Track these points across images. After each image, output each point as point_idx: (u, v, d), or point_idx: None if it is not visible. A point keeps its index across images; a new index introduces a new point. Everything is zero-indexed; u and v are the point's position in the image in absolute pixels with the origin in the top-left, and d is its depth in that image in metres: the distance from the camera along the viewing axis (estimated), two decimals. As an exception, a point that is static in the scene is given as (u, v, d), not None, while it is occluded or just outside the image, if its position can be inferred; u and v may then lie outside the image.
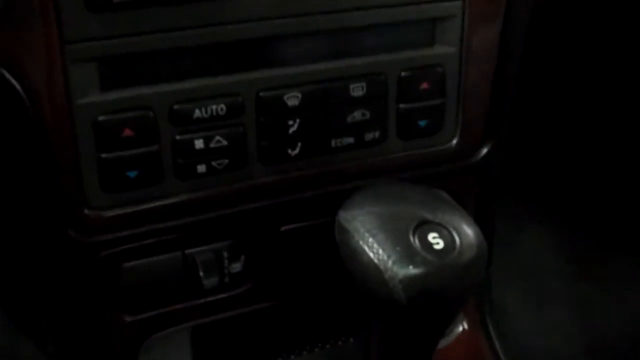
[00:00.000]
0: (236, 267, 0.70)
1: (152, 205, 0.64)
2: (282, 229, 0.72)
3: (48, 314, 0.70)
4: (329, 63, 0.67)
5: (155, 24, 0.58)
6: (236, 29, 0.62)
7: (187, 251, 0.68)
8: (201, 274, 0.68)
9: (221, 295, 0.71)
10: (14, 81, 0.56)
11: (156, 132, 0.61)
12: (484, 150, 0.77)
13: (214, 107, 0.63)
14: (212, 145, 0.64)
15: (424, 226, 0.59)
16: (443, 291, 0.57)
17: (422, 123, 0.73)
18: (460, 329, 0.86)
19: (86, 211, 0.62)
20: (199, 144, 0.63)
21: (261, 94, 0.64)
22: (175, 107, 0.62)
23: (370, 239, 0.57)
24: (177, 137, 0.63)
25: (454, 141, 0.75)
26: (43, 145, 0.58)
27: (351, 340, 0.84)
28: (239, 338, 0.79)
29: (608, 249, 1.03)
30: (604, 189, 1.02)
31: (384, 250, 0.56)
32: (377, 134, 0.71)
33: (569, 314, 0.97)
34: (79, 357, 0.70)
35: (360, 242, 0.57)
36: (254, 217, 0.69)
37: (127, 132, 0.60)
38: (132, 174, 0.62)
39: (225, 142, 0.64)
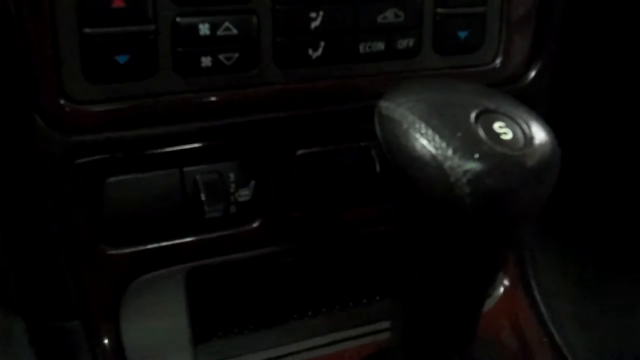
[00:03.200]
0: (244, 194, 0.58)
1: (144, 104, 0.52)
2: (299, 152, 0.59)
3: (6, 242, 0.56)
4: None
5: None
6: None
7: (186, 169, 0.55)
8: (203, 197, 0.55)
9: (225, 232, 0.58)
10: None
11: (153, 7, 0.50)
12: (531, 74, 0.66)
13: None
14: (219, 33, 0.52)
15: (486, 115, 0.47)
16: (512, 194, 0.45)
17: (462, 34, 0.62)
18: (502, 290, 0.74)
19: (62, 101, 0.49)
20: (203, 29, 0.52)
21: None
22: None
23: (423, 125, 0.45)
24: (178, 19, 0.51)
25: (498, 60, 0.64)
26: (10, 12, 0.46)
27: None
28: (244, 289, 0.66)
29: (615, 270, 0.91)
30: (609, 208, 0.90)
31: (441, 137, 0.45)
32: (411, 42, 0.60)
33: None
34: (46, 303, 0.57)
35: (411, 130, 0.46)
36: (265, 132, 0.57)
37: (118, 2, 0.49)
38: (122, 58, 0.50)
39: (235, 31, 0.53)
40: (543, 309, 0.74)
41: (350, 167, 0.62)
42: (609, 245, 0.84)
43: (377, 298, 0.70)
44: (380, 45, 0.59)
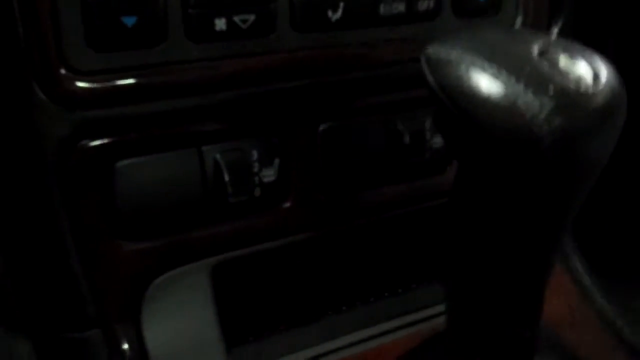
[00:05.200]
0: (270, 174, 0.52)
1: (154, 73, 0.46)
2: (321, 127, 0.54)
3: (5, 242, 0.48)
4: None
5: None
6: None
7: (205, 147, 0.49)
8: (226, 179, 0.49)
9: (251, 218, 0.52)
10: None
11: None
12: (552, 35, 0.62)
13: None
14: None
15: (549, 51, 0.42)
16: (591, 132, 0.41)
17: None
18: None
19: (63, 72, 0.43)
20: None
21: None
22: None
23: (487, 62, 0.40)
24: None
25: (518, 21, 0.60)
26: None
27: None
28: (275, 283, 0.58)
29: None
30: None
31: (509, 72, 0.39)
32: (431, 2, 0.55)
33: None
34: (57, 312, 0.49)
35: (473, 68, 0.40)
36: (286, 104, 0.51)
37: (122, -45, 0.43)
38: (130, 20, 0.44)
39: None
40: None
41: (375, 142, 0.56)
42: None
43: (414, 286, 0.64)
44: (401, 7, 0.54)
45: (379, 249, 0.63)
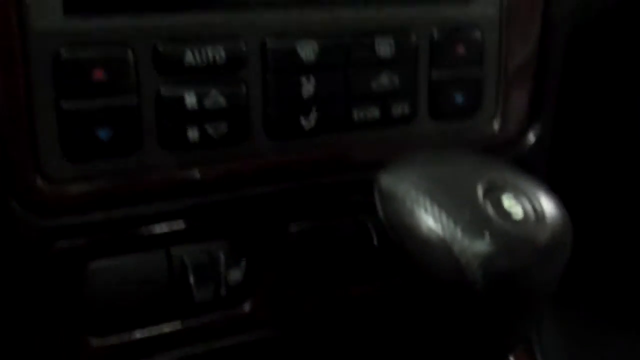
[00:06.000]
0: (235, 274, 0.54)
1: (128, 182, 0.48)
2: (291, 229, 0.56)
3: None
4: (352, 10, 0.54)
5: None
6: None
7: (174, 250, 0.52)
8: (192, 280, 0.51)
9: (215, 315, 0.54)
10: None
11: (136, 78, 0.47)
12: (530, 138, 0.64)
13: (210, 52, 0.49)
14: (206, 104, 0.49)
15: (494, 190, 0.44)
16: (526, 274, 0.42)
17: (458, 98, 0.60)
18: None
19: (39, 182, 0.46)
20: (190, 100, 0.49)
21: (268, 40, 0.50)
22: (161, 47, 0.47)
23: (429, 203, 0.42)
24: (163, 90, 0.48)
25: (495, 125, 0.62)
26: None
27: None
28: None
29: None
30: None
31: (449, 216, 0.42)
32: (406, 107, 0.57)
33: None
34: None
35: (416, 209, 0.43)
36: (257, 207, 0.54)
37: (98, 74, 0.46)
38: (104, 134, 0.47)
39: (223, 102, 0.50)
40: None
41: (346, 242, 0.58)
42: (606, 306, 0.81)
43: None
44: (375, 112, 0.56)
45: (346, 345, 0.65)
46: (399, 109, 0.57)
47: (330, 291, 0.58)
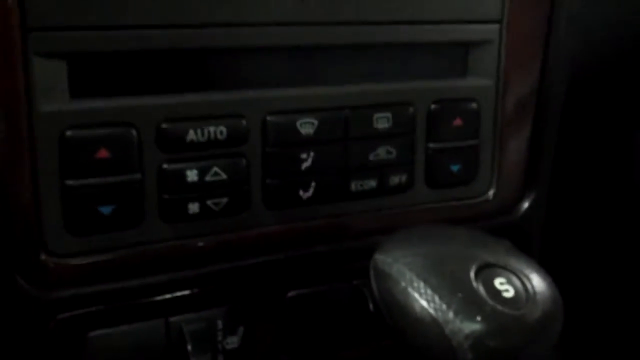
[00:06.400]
0: (233, 341, 0.55)
1: (129, 254, 0.50)
2: (289, 294, 0.57)
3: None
4: (350, 86, 0.55)
5: (139, 17, 0.46)
6: (241, 34, 0.50)
7: (172, 319, 0.53)
8: (189, 348, 0.52)
9: None
10: None
11: (139, 156, 0.48)
12: (525, 206, 0.65)
13: (212, 129, 0.50)
14: (208, 178, 0.51)
15: (486, 270, 0.45)
16: (516, 352, 0.43)
17: (454, 168, 0.61)
18: None
19: (43, 257, 0.47)
20: (191, 175, 0.50)
21: (269, 117, 0.52)
22: (164, 125, 0.49)
23: (422, 285, 0.44)
24: (165, 166, 0.49)
25: (491, 192, 0.63)
26: None
27: None
28: None
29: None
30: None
31: (441, 297, 0.43)
32: (403, 178, 0.58)
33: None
34: None
35: (409, 289, 0.44)
36: (255, 276, 0.55)
37: (102, 153, 0.47)
38: (107, 209, 0.48)
39: (224, 176, 0.51)
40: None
41: (342, 307, 0.59)
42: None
43: None
44: (372, 183, 0.57)
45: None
46: (396, 179, 0.58)
47: (323, 356, 0.59)
